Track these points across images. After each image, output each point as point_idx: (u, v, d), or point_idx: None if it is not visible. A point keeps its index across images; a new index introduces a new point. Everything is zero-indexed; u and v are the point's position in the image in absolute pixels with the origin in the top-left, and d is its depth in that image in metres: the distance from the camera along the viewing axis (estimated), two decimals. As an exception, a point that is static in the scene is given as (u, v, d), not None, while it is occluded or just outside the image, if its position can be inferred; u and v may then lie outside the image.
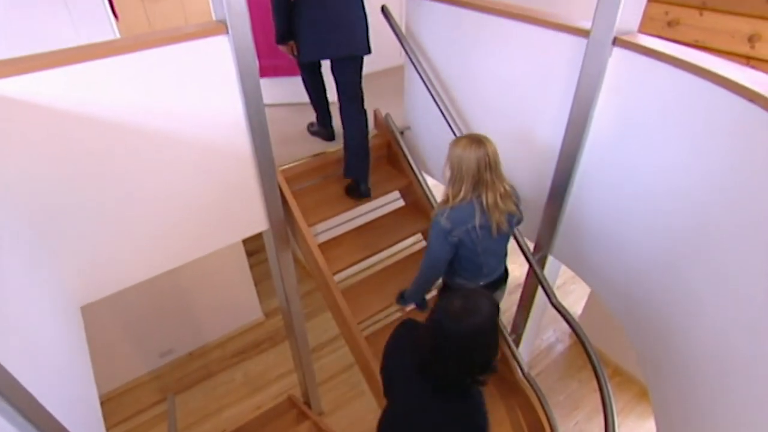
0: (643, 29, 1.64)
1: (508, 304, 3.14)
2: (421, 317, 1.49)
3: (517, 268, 4.18)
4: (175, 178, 1.83)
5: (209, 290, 3.71)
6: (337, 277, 2.37)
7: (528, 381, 2.42)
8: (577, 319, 2.24)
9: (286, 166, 2.45)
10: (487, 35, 2.04)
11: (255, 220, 2.18)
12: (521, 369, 2.44)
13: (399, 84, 2.69)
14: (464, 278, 1.90)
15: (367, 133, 2.44)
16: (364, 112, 2.43)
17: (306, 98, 2.75)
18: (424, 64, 2.36)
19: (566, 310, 2.12)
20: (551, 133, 1.93)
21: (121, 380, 3.65)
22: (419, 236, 2.81)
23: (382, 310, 2.45)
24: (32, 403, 0.96)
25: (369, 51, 2.30)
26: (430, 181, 2.68)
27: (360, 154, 2.43)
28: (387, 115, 2.67)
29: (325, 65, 2.50)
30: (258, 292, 4.04)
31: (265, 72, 2.97)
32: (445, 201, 1.74)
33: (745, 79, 1.30)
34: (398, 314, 2.64)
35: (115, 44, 1.56)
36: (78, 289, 1.82)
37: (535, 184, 2.11)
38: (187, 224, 1.96)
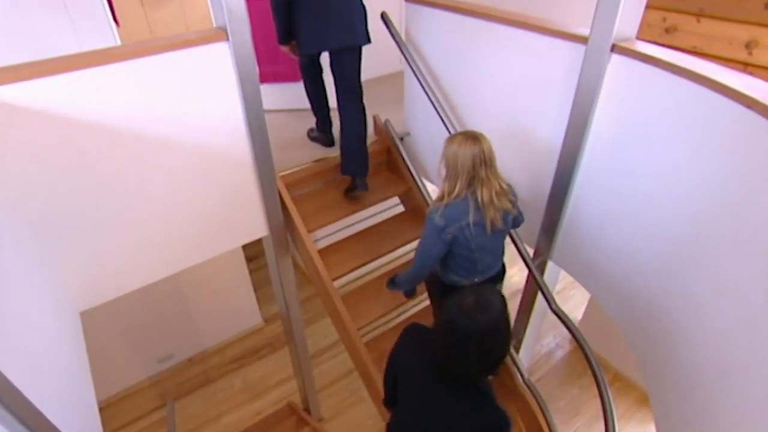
0: (641, 36, 1.65)
1: (508, 309, 3.12)
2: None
3: (516, 273, 4.19)
4: (175, 183, 1.84)
5: (209, 296, 3.70)
6: (337, 283, 2.37)
7: (528, 387, 2.41)
8: (577, 325, 2.24)
9: (286, 172, 2.46)
10: (486, 42, 2.05)
11: (255, 225, 2.18)
12: (521, 375, 2.43)
13: (399, 90, 2.70)
14: (459, 275, 1.90)
15: (365, 130, 2.44)
16: (363, 109, 2.43)
17: (306, 104, 2.76)
18: (424, 71, 2.37)
19: (566, 315, 2.11)
20: (551, 139, 1.94)
21: (120, 386, 3.63)
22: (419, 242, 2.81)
23: (381, 316, 2.45)
24: (31, 410, 0.95)
25: (369, 41, 2.32)
26: (430, 187, 2.69)
27: (358, 152, 2.43)
28: (387, 121, 2.68)
29: (325, 65, 2.50)
30: (257, 298, 4.04)
31: (265, 78, 2.98)
32: (440, 198, 1.75)
33: (743, 85, 1.31)
34: (398, 320, 2.64)
35: (116, 51, 1.56)
36: (78, 295, 1.82)
37: (535, 190, 2.12)
38: (186, 230, 1.97)
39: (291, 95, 3.17)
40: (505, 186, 1.77)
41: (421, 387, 1.31)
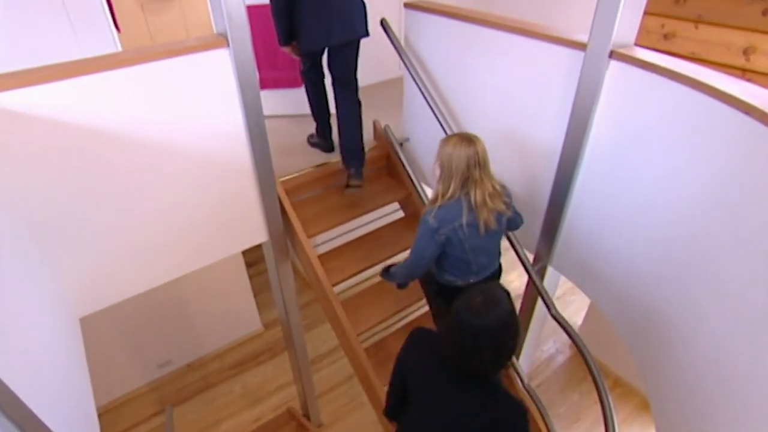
0: (639, 42, 1.66)
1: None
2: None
3: (516, 278, 4.19)
4: (175, 189, 1.84)
5: (208, 301, 3.70)
6: (337, 288, 2.37)
7: (528, 393, 2.40)
8: (577, 330, 2.23)
9: (286, 178, 2.46)
10: (485, 48, 2.06)
11: (254, 231, 2.18)
12: (521, 380, 2.42)
13: (398, 96, 2.71)
14: (453, 275, 1.91)
15: (361, 123, 2.48)
16: (359, 102, 2.47)
17: (305, 110, 2.77)
18: (423, 76, 2.38)
19: (566, 321, 2.11)
20: (550, 144, 1.95)
21: (119, 392, 3.62)
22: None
23: (381, 322, 2.45)
24: (29, 415, 0.95)
25: (367, 33, 2.35)
26: (430, 193, 2.69)
27: (356, 143, 2.48)
28: (386, 126, 2.68)
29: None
30: (257, 303, 4.03)
31: (265, 84, 3.00)
32: (435, 199, 1.76)
33: (741, 92, 1.32)
34: (398, 325, 2.63)
35: (117, 57, 1.57)
36: (77, 300, 1.82)
37: (534, 195, 2.12)
38: (187, 235, 1.97)
39: (291, 101, 3.18)
40: (498, 187, 1.78)
41: (434, 388, 1.33)
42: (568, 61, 1.75)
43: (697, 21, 2.32)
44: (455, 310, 1.21)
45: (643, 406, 3.46)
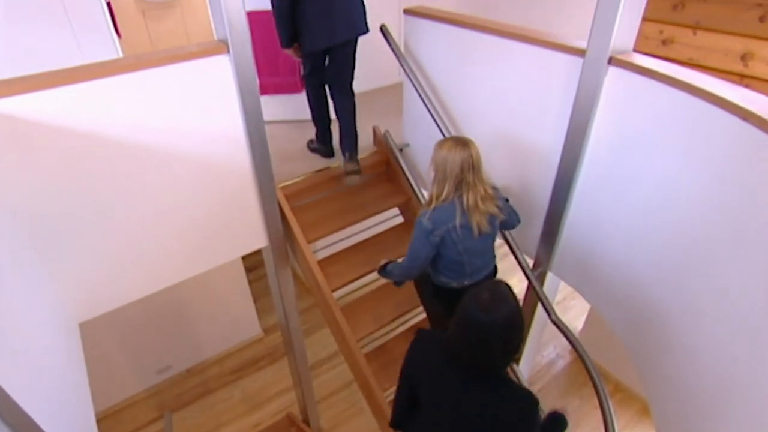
0: (638, 47, 1.67)
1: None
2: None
3: (516, 283, 4.18)
4: (175, 195, 1.84)
5: (208, 306, 3.69)
6: (337, 294, 2.37)
7: (528, 398, 2.39)
8: (577, 335, 2.23)
9: (286, 183, 2.47)
10: (484, 54, 2.07)
11: (254, 236, 2.19)
12: (521, 386, 2.41)
13: (398, 101, 2.72)
14: (448, 277, 1.92)
15: (355, 111, 2.61)
16: (353, 92, 2.59)
17: (305, 115, 2.77)
18: (423, 82, 2.39)
19: (566, 326, 2.11)
20: (549, 150, 1.95)
21: (118, 397, 3.61)
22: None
23: (381, 327, 2.45)
24: (27, 421, 0.95)
25: (367, 29, 2.42)
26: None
27: (351, 132, 2.59)
28: (386, 132, 2.69)
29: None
30: (257, 309, 4.03)
31: (265, 89, 3.01)
32: (429, 202, 1.79)
33: (739, 98, 1.32)
34: (398, 330, 2.63)
35: (119, 63, 1.58)
36: (77, 306, 1.82)
37: (534, 200, 2.12)
38: (186, 240, 1.97)
39: (291, 107, 3.19)
40: (490, 191, 1.80)
41: (444, 386, 1.35)
42: (567, 67, 1.76)
43: (695, 27, 2.33)
44: (463, 308, 1.24)
45: (644, 411, 3.44)
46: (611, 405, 1.88)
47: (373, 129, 2.77)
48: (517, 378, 2.40)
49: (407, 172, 2.63)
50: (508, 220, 1.92)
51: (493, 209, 1.80)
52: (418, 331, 1.52)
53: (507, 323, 1.21)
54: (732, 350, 1.35)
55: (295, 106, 3.14)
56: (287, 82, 3.15)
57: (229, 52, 1.68)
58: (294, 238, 2.32)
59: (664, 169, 1.59)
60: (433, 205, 1.75)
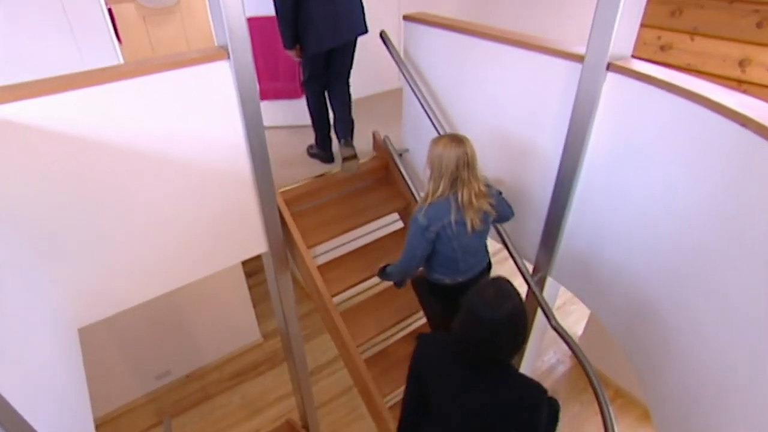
0: (636, 53, 1.68)
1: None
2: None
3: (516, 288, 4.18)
4: (175, 200, 1.84)
5: (207, 311, 3.69)
6: (337, 299, 2.37)
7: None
8: (577, 341, 2.23)
9: (286, 188, 2.47)
10: (483, 60, 2.08)
11: (254, 242, 2.19)
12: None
13: (397, 107, 2.72)
14: (442, 273, 1.94)
15: (351, 102, 2.70)
16: (349, 85, 2.67)
17: (305, 121, 2.78)
18: (422, 88, 2.40)
19: (566, 331, 2.11)
20: (549, 155, 1.96)
21: (116, 403, 3.60)
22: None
23: (381, 333, 2.44)
24: (26, 428, 0.95)
25: (367, 30, 2.49)
26: (428, 202, 2.69)
27: (346, 119, 2.68)
28: (386, 137, 2.70)
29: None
30: (256, 314, 4.02)
31: (265, 95, 3.02)
32: (425, 198, 1.81)
33: (737, 104, 1.33)
34: (398, 336, 2.62)
35: (119, 69, 1.58)
36: (76, 311, 1.82)
37: (534, 205, 2.13)
38: (186, 246, 1.97)
39: (291, 112, 3.20)
40: (484, 188, 1.82)
41: (454, 383, 1.37)
42: (566, 73, 1.76)
43: (693, 33, 2.35)
44: (469, 306, 1.27)
45: (645, 416, 3.44)
46: (611, 410, 1.88)
47: (373, 134, 2.77)
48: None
49: (407, 177, 2.63)
50: (502, 214, 1.95)
51: (487, 207, 1.82)
52: (420, 336, 1.54)
53: (513, 318, 1.24)
54: (732, 356, 1.35)
55: (295, 111, 3.15)
56: (287, 88, 3.16)
57: (229, 58, 1.69)
58: (294, 243, 2.32)
59: (663, 174, 1.60)
60: (428, 201, 1.77)
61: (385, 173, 2.80)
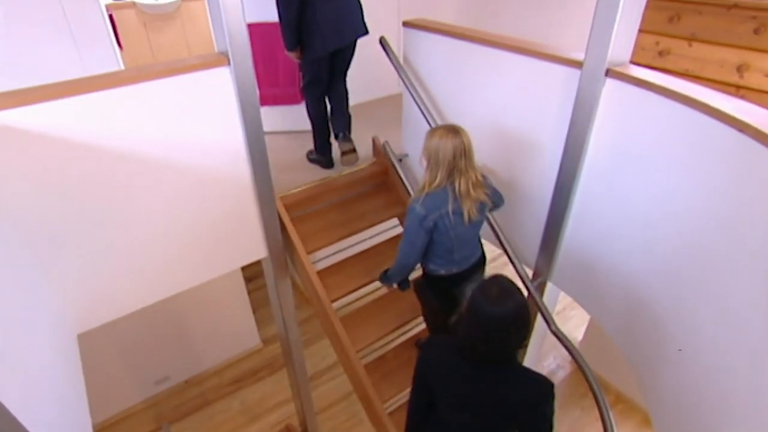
0: (635, 59, 1.68)
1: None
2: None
3: (516, 293, 4.17)
4: (175, 205, 1.85)
5: (206, 316, 3.68)
6: (336, 304, 2.36)
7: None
8: (577, 346, 2.22)
9: (285, 194, 2.47)
10: (483, 66, 2.09)
11: (254, 247, 2.19)
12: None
13: (397, 112, 2.73)
14: (436, 264, 1.94)
15: (348, 96, 2.75)
16: (346, 83, 2.73)
17: (305, 126, 2.79)
18: (422, 93, 2.41)
19: (566, 337, 2.10)
20: (548, 160, 1.96)
21: (115, 408, 3.59)
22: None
23: (381, 338, 2.44)
24: (25, 434, 0.95)
25: (367, 31, 2.54)
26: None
27: (344, 114, 2.74)
28: (385, 142, 2.70)
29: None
30: (256, 319, 4.01)
31: (265, 101, 3.03)
32: (422, 188, 1.81)
33: (735, 109, 1.34)
34: (398, 341, 2.62)
35: (120, 76, 1.59)
36: (76, 317, 1.82)
37: (533, 210, 2.13)
38: (186, 251, 1.97)
39: (290, 117, 3.21)
40: (480, 177, 1.82)
41: (462, 382, 1.38)
42: (565, 78, 1.77)
43: (691, 39, 2.36)
44: (474, 305, 1.29)
45: (645, 422, 3.42)
46: (612, 416, 1.88)
47: (373, 139, 2.78)
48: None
49: (406, 183, 2.64)
50: (495, 202, 1.96)
51: (483, 197, 1.83)
52: (425, 339, 1.57)
53: (518, 313, 1.26)
54: (732, 360, 1.35)
55: (295, 116, 3.16)
56: (287, 93, 3.17)
57: (229, 64, 1.69)
58: (293, 248, 2.32)
59: (662, 179, 1.60)
60: (425, 192, 1.77)
61: (385, 178, 2.80)
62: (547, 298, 2.28)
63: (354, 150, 2.68)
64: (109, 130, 1.58)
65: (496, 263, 3.59)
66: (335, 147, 2.76)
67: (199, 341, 3.78)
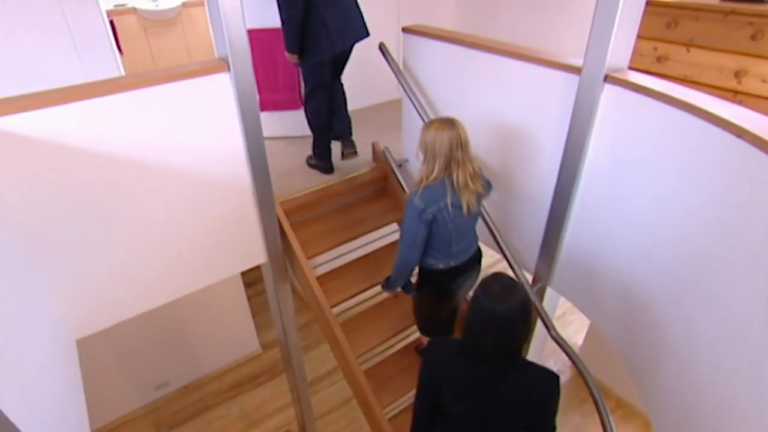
0: (633, 64, 1.69)
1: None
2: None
3: (516, 298, 4.17)
4: (175, 211, 1.85)
5: (206, 322, 3.67)
6: (336, 309, 2.36)
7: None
8: (577, 350, 2.22)
9: (285, 199, 2.48)
10: (482, 72, 2.09)
11: (254, 252, 2.19)
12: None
13: (396, 117, 2.74)
14: (435, 258, 1.93)
15: (346, 96, 2.79)
16: (342, 83, 2.76)
17: (304, 131, 2.79)
18: (421, 99, 2.42)
19: (566, 342, 2.10)
20: (547, 166, 1.97)
21: (114, 414, 3.58)
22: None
23: (381, 344, 2.44)
24: (24, 441, 0.94)
25: (368, 33, 2.57)
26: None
27: (345, 117, 2.78)
28: (385, 148, 2.71)
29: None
30: (255, 324, 4.01)
31: (264, 106, 3.04)
32: (419, 181, 1.81)
33: (732, 115, 1.34)
34: (398, 347, 2.62)
35: (120, 82, 1.60)
36: (75, 322, 1.81)
37: (533, 216, 2.13)
38: (185, 257, 1.97)
39: (290, 123, 3.22)
40: (477, 169, 1.83)
41: (470, 384, 1.38)
42: (564, 84, 1.78)
43: (689, 45, 2.37)
44: (478, 305, 1.29)
45: (646, 426, 3.42)
46: (613, 421, 1.87)
47: (372, 145, 2.79)
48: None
49: (406, 188, 2.64)
50: (486, 192, 1.98)
51: (480, 188, 1.84)
52: (428, 347, 1.56)
53: (523, 308, 1.27)
54: (732, 363, 1.35)
55: (295, 122, 3.17)
56: (287, 99, 3.18)
57: (229, 70, 1.70)
58: (293, 253, 2.32)
59: (662, 184, 1.60)
60: (423, 185, 1.77)
61: (385, 184, 2.81)
62: (547, 303, 2.28)
63: (356, 152, 2.76)
64: (109, 135, 1.58)
65: (496, 268, 3.59)
66: (335, 152, 2.77)
67: (199, 346, 3.77)
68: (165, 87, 1.63)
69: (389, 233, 2.82)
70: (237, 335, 3.96)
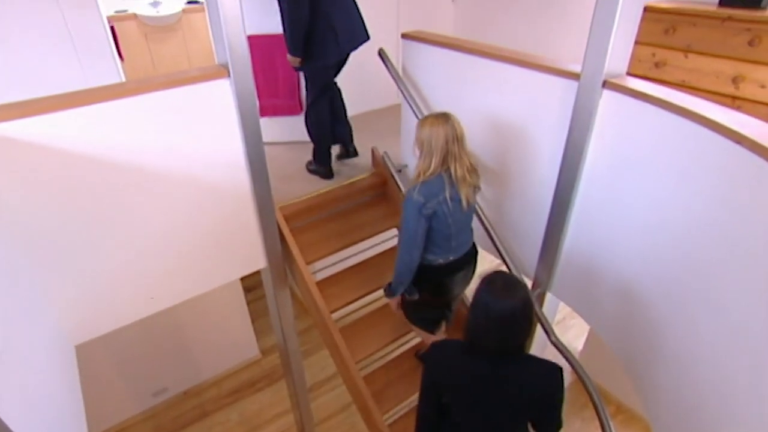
0: (631, 70, 1.70)
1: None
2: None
3: (515, 303, 4.16)
4: (174, 216, 1.85)
5: (205, 327, 3.67)
6: (336, 315, 2.36)
7: (529, 420, 2.36)
8: (577, 355, 2.22)
9: (285, 204, 2.48)
10: (481, 78, 2.10)
11: (253, 258, 2.19)
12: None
13: (396, 123, 2.75)
14: (434, 254, 1.93)
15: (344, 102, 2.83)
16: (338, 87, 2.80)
17: (304, 137, 2.80)
18: (420, 104, 2.43)
19: (565, 347, 2.10)
20: (546, 171, 1.97)
21: (113, 420, 3.56)
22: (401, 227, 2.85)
23: (380, 349, 2.43)
24: (24, 448, 0.94)
25: (369, 36, 2.60)
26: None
27: (346, 120, 2.82)
28: (385, 153, 2.72)
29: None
30: (255, 329, 4.00)
31: (264, 111, 3.05)
32: (417, 177, 1.81)
33: (731, 121, 1.35)
34: (397, 352, 2.61)
35: (121, 88, 1.61)
36: (74, 328, 1.81)
37: (532, 221, 2.13)
38: (185, 262, 1.97)
39: (289, 128, 3.22)
40: (474, 163, 1.84)
41: (476, 382, 1.39)
42: (563, 90, 1.79)
43: (687, 50, 2.38)
44: (481, 302, 1.30)
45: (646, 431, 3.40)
46: (613, 427, 1.87)
47: (372, 150, 2.79)
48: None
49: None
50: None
51: (477, 181, 1.85)
52: (430, 349, 1.55)
53: (525, 302, 1.29)
54: (731, 366, 1.35)
55: (294, 127, 3.17)
56: (286, 104, 3.19)
57: (229, 76, 1.71)
58: (293, 259, 2.32)
59: (661, 188, 1.61)
60: (420, 180, 1.77)
61: (384, 189, 2.81)
62: (546, 309, 2.28)
63: (357, 154, 2.88)
64: (109, 141, 1.59)
65: (496, 273, 3.58)
66: (334, 157, 2.77)
67: (198, 352, 3.76)
68: (165, 93, 1.63)
69: (389, 238, 2.82)
70: (236, 341, 3.95)
